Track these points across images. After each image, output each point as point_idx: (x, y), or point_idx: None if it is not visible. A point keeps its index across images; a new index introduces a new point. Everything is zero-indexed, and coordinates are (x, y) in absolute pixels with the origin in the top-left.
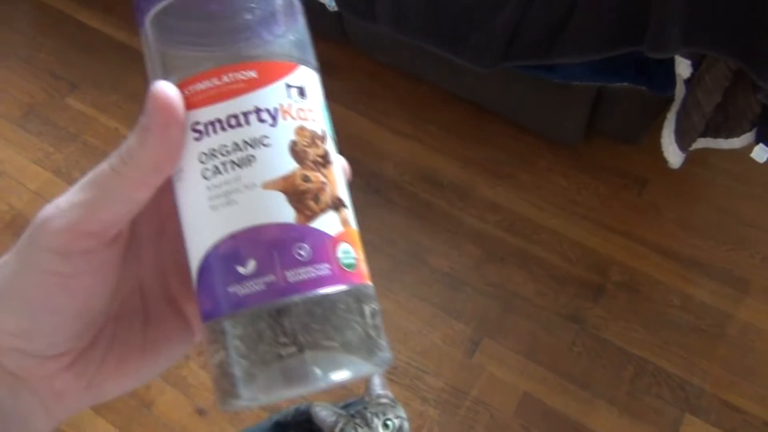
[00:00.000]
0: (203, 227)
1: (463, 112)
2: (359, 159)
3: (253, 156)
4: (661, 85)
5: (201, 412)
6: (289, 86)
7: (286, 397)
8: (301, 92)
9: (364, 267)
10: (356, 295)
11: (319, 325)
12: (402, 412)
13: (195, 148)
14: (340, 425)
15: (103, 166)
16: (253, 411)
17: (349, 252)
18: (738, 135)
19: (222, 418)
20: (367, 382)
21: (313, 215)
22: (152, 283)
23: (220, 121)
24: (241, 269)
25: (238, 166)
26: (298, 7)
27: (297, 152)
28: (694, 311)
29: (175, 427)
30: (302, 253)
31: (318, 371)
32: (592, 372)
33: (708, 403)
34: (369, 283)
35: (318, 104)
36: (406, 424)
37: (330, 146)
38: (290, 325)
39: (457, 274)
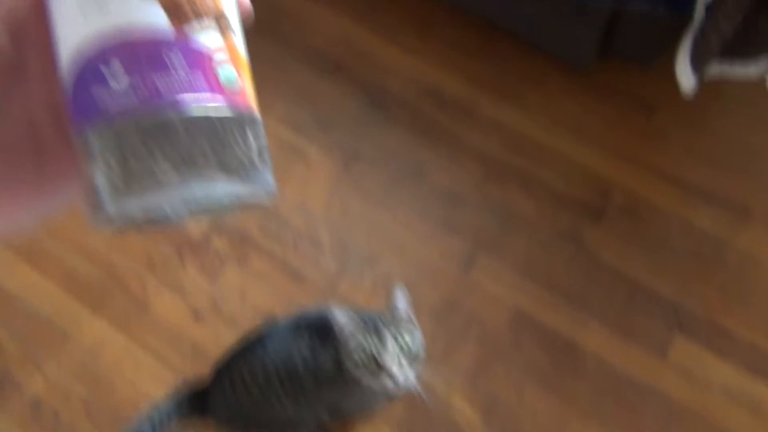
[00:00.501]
0: (71, 30)
1: (472, 29)
2: (364, 73)
3: None
4: (680, 6)
5: (197, 316)
6: None
7: (157, 217)
8: None
9: (249, 93)
10: (237, 119)
11: (193, 143)
12: (418, 337)
13: None
14: (350, 329)
15: None
16: (248, 318)
17: (231, 72)
18: (755, 61)
19: (217, 321)
20: (392, 299)
21: (189, 24)
22: (44, 117)
23: None
24: (110, 78)
25: None
26: None
27: None
28: (694, 237)
29: (171, 329)
30: (175, 62)
31: (191, 189)
32: (586, 291)
33: (699, 326)
34: (255, 112)
35: None
36: (419, 350)
37: None
38: (164, 141)
39: (457, 190)
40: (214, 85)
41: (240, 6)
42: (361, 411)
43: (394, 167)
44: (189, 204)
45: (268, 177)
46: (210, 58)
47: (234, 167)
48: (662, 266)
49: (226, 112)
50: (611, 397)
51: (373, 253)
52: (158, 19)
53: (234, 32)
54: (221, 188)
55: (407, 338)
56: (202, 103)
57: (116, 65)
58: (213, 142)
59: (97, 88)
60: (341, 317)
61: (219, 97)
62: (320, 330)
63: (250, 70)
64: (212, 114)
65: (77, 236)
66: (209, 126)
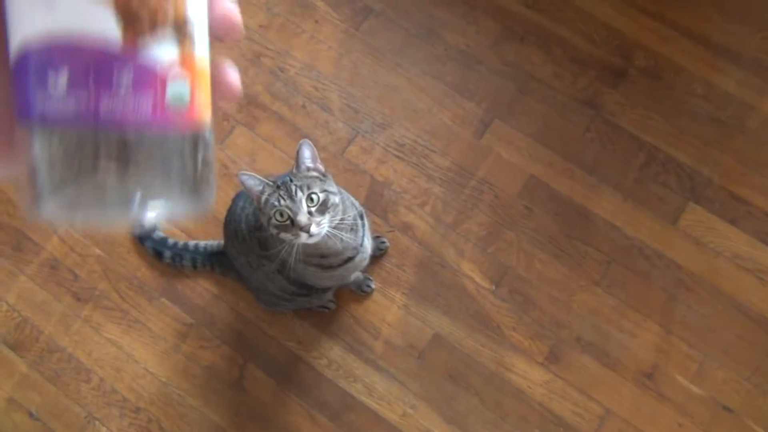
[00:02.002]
0: (20, 21)
1: None
2: None
3: None
4: None
5: None
6: None
7: (90, 216)
8: None
9: (199, 106)
10: (175, 141)
11: (128, 161)
12: (332, 186)
13: None
14: (265, 195)
15: None
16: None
17: (182, 88)
18: None
19: (228, 185)
20: (297, 153)
21: (143, 38)
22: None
23: None
24: (53, 81)
25: None
26: None
27: None
28: (716, 101)
29: None
30: (122, 81)
31: (120, 200)
32: (601, 158)
33: (714, 194)
34: (202, 128)
35: None
36: (333, 198)
37: None
38: (98, 154)
39: (473, 51)
40: (159, 108)
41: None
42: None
43: (406, 26)
44: (120, 208)
45: (207, 194)
46: (160, 77)
47: (168, 186)
48: (681, 131)
49: (163, 137)
50: (620, 264)
51: (385, 116)
52: (110, 29)
53: (194, 39)
54: (153, 201)
55: (320, 194)
56: (140, 128)
57: (61, 72)
58: (148, 163)
59: (40, 89)
60: (251, 181)
61: (161, 121)
62: None
63: (210, 74)
64: (147, 140)
65: None
66: (144, 149)
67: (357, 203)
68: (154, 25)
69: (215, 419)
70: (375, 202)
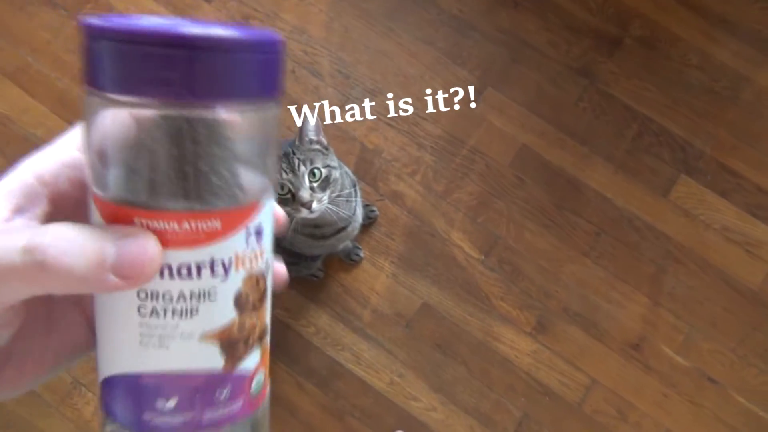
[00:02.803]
0: (128, 356)
1: None
2: None
3: (196, 309)
4: None
5: None
6: (248, 232)
7: None
8: (259, 233)
9: (267, 384)
10: (254, 419)
11: None
12: (333, 160)
13: None
14: None
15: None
16: None
17: (260, 380)
18: None
19: None
20: (301, 124)
21: (240, 360)
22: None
23: (170, 267)
24: (160, 404)
25: (179, 316)
26: (273, 135)
27: (240, 303)
28: (711, 72)
29: None
30: (222, 397)
31: None
32: (594, 128)
33: (706, 166)
34: (265, 400)
35: (269, 235)
36: (335, 173)
37: (269, 279)
38: None
39: (466, 17)
40: (246, 403)
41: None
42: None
43: None
44: None
45: None
46: (248, 380)
47: None
48: (675, 102)
49: (249, 420)
50: (610, 236)
51: (376, 83)
52: (215, 361)
53: (268, 331)
54: None
55: (323, 169)
56: (235, 420)
57: (171, 399)
58: None
59: (148, 408)
60: None
61: (248, 410)
62: None
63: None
64: (238, 426)
65: (64, 56)
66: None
67: (350, 172)
68: (247, 346)
69: None
70: (365, 170)
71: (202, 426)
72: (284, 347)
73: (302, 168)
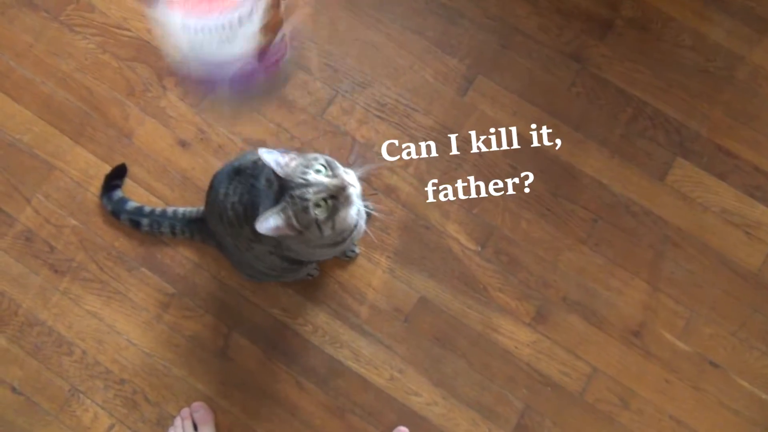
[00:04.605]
0: (223, 51)
1: None
2: None
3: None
4: None
5: (183, 144)
6: None
7: None
8: None
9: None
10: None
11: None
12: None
13: None
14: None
15: None
16: (237, 146)
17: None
18: None
19: (205, 150)
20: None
21: (276, 33)
22: None
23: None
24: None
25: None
26: None
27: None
28: (705, 52)
29: (158, 158)
30: (274, 52)
31: None
32: (587, 113)
33: (702, 148)
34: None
35: None
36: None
37: None
38: None
39: (455, 4)
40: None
41: None
42: (310, 258)
43: None
44: None
45: None
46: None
47: None
48: (669, 84)
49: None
50: (607, 222)
51: (365, 75)
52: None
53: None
54: None
55: (322, 161)
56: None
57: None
58: None
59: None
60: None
61: (282, 56)
62: (252, 176)
63: None
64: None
65: (47, 59)
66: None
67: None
68: (279, 26)
69: (201, 388)
70: (357, 165)
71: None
72: (282, 346)
73: (321, 164)
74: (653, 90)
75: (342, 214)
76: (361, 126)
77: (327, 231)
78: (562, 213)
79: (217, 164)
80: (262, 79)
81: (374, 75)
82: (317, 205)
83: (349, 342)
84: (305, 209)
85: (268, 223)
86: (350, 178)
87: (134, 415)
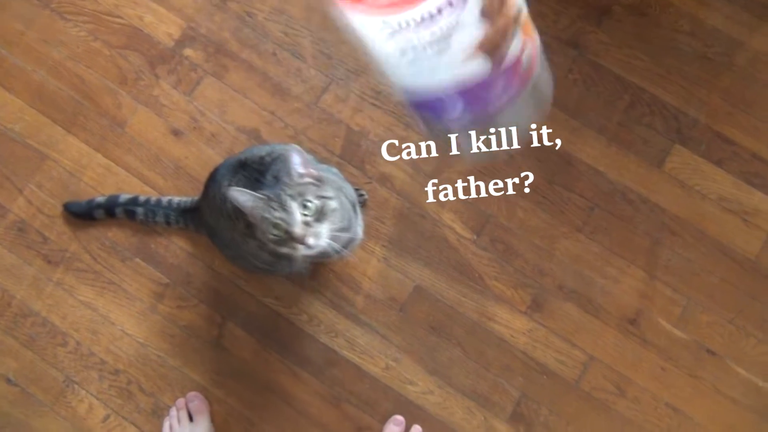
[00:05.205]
0: (424, 83)
1: None
2: None
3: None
4: None
5: (176, 133)
6: None
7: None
8: None
9: (534, 50)
10: (532, 86)
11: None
12: (328, 191)
13: None
14: (258, 210)
15: None
16: (230, 135)
17: (529, 54)
18: None
19: (198, 139)
20: (286, 161)
21: (504, 55)
22: None
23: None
24: (457, 110)
25: (438, 47)
26: None
27: (486, 12)
28: (704, 38)
29: (150, 147)
30: (499, 89)
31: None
32: (585, 100)
33: (700, 135)
34: (538, 65)
35: None
36: (331, 203)
37: None
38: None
39: None
40: (521, 80)
41: None
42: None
43: None
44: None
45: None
46: (519, 62)
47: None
48: (667, 71)
49: (524, 94)
50: (604, 210)
51: (359, 62)
52: (485, 69)
53: (524, 9)
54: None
55: (315, 201)
56: (515, 100)
57: (458, 105)
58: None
59: (445, 114)
60: (242, 197)
61: (524, 86)
62: (258, 171)
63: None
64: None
65: (38, 47)
66: (513, 107)
67: (349, 193)
68: (506, 40)
69: (196, 378)
70: (352, 152)
71: (494, 110)
72: (277, 336)
73: (293, 203)
74: (651, 76)
75: (289, 249)
76: (356, 114)
77: (268, 246)
78: (559, 201)
79: (211, 153)
80: (509, 90)
81: (368, 63)
82: (275, 226)
83: (344, 331)
84: (264, 219)
85: (239, 195)
86: (314, 237)
87: (129, 406)
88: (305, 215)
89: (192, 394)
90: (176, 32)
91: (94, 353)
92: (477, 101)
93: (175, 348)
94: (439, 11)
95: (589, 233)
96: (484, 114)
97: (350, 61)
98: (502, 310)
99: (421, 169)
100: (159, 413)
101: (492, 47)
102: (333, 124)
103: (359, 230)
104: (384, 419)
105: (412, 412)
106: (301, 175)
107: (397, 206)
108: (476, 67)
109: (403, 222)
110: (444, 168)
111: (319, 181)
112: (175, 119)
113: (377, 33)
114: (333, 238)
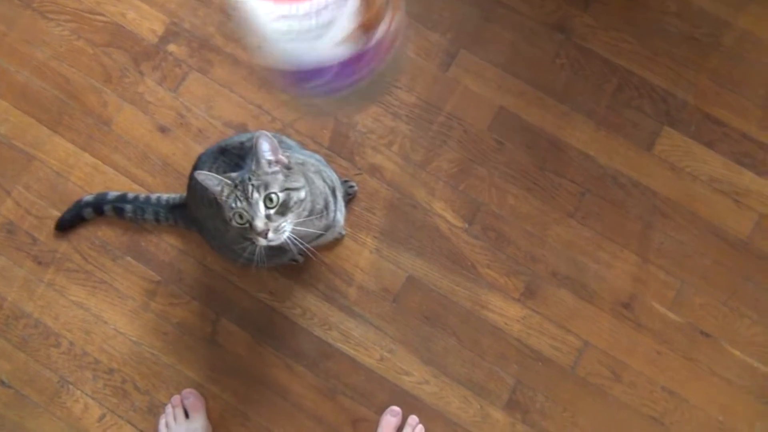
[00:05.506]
0: (305, 55)
1: None
2: None
3: (334, 18)
4: None
5: (163, 130)
6: None
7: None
8: None
9: (398, 22)
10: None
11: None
12: (296, 181)
13: None
14: (224, 195)
15: None
16: (217, 130)
17: (393, 29)
18: None
19: (186, 135)
20: (254, 147)
21: (376, 30)
22: None
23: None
24: (327, 78)
25: (324, 28)
26: None
27: None
28: (691, 19)
29: (137, 145)
30: (365, 62)
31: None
32: (573, 85)
33: (689, 116)
34: (398, 37)
35: None
36: (297, 195)
37: None
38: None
39: None
40: (387, 48)
41: None
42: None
43: None
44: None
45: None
46: (387, 34)
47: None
48: (655, 53)
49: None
50: (595, 195)
51: None
52: (357, 44)
53: None
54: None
55: (280, 194)
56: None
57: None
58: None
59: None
60: (207, 179)
61: (388, 51)
62: (238, 156)
63: None
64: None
65: (21, 48)
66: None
67: (330, 177)
68: (379, 17)
69: (191, 375)
70: (340, 144)
71: (361, 78)
72: (271, 330)
73: (256, 195)
74: (639, 59)
75: (252, 238)
76: (343, 105)
77: (231, 229)
78: (549, 187)
79: (198, 149)
80: (365, 73)
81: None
82: (239, 215)
83: (337, 324)
84: (229, 206)
85: (206, 179)
86: (274, 231)
87: (125, 404)
88: (268, 208)
89: (187, 391)
90: (160, 28)
91: (88, 353)
92: (346, 71)
93: (169, 345)
94: (326, 6)
95: (580, 218)
96: (351, 81)
97: None
98: (495, 298)
99: (411, 159)
100: (155, 411)
101: (368, 28)
102: (320, 117)
103: (339, 215)
104: (380, 411)
105: (408, 403)
106: (270, 163)
107: (387, 197)
108: (351, 45)
109: (393, 212)
110: (434, 157)
111: (288, 170)
112: (161, 116)
113: (265, 15)
114: (305, 225)
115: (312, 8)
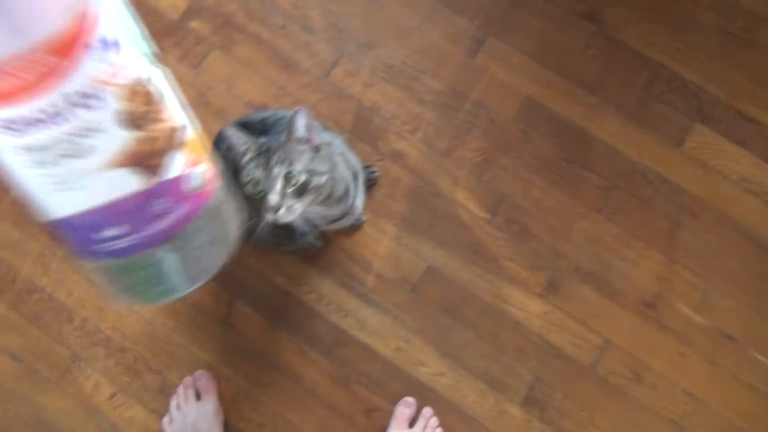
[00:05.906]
0: (52, 203)
1: None
2: None
3: (90, 146)
4: None
5: (183, 108)
6: (94, 51)
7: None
8: (113, 44)
9: (212, 171)
10: (210, 208)
11: (186, 248)
12: (321, 164)
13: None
14: (247, 156)
15: None
16: (238, 109)
17: (199, 173)
18: None
19: (206, 113)
20: (290, 121)
21: (161, 170)
22: None
23: (27, 119)
24: (105, 234)
25: (74, 157)
26: None
27: (127, 121)
28: (726, 12)
29: None
30: (160, 207)
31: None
32: (603, 77)
33: (721, 113)
34: (218, 190)
35: (131, 39)
36: (318, 180)
37: (155, 81)
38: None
39: None
40: (194, 201)
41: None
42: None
43: None
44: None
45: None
46: (180, 181)
47: (218, 245)
48: (688, 46)
49: (202, 215)
50: (622, 190)
51: (370, 36)
52: (135, 184)
53: (189, 129)
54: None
55: (300, 176)
56: (185, 224)
57: (111, 226)
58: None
59: (96, 239)
60: (234, 136)
61: (198, 208)
62: (259, 132)
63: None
64: (193, 227)
65: None
66: (192, 235)
67: (353, 161)
68: (162, 154)
69: (203, 356)
70: (363, 128)
71: (156, 239)
72: (286, 314)
73: (277, 169)
74: (671, 52)
75: (260, 208)
76: (367, 89)
77: (244, 193)
78: (576, 180)
79: (218, 128)
80: (175, 209)
81: (380, 36)
82: (254, 183)
83: (354, 311)
84: (247, 170)
85: (233, 136)
86: (286, 210)
87: (136, 384)
88: (286, 186)
89: (199, 372)
90: (182, 4)
91: (101, 330)
92: (135, 219)
93: (182, 326)
94: (69, 109)
95: (607, 214)
96: (158, 236)
97: (361, 35)
98: (516, 292)
99: (435, 147)
100: (166, 391)
101: (140, 159)
102: (344, 99)
103: (358, 202)
104: (394, 401)
105: (423, 394)
106: (300, 140)
107: (409, 184)
108: (127, 181)
109: (415, 200)
110: (458, 146)
111: (316, 152)
112: (181, 94)
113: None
114: (320, 208)
115: (51, 134)
